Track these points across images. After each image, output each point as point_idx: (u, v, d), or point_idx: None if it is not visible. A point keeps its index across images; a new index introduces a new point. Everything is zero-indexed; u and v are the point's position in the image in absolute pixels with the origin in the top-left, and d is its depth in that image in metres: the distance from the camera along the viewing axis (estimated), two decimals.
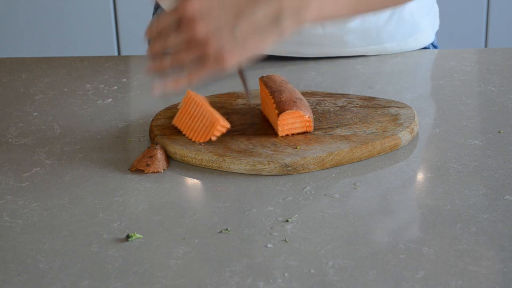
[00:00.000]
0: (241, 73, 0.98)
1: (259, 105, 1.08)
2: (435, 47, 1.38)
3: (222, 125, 0.97)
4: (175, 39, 0.88)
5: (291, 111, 0.98)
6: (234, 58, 0.88)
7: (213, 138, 0.97)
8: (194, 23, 0.86)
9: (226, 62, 0.87)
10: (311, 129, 1.00)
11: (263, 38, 0.88)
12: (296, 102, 1.00)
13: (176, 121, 1.02)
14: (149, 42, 0.92)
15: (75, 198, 0.90)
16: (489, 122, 1.06)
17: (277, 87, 1.03)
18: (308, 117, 0.99)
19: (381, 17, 1.28)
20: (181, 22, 0.88)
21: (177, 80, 0.90)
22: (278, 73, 1.22)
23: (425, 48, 1.35)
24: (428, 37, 1.34)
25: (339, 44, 1.29)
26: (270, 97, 1.01)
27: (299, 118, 0.99)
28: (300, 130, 1.00)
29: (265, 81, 1.05)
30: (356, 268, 0.76)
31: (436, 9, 1.36)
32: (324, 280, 0.74)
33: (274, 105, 1.00)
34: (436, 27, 1.37)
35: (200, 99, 1.00)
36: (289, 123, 0.99)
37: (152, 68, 0.91)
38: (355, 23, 1.26)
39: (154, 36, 0.90)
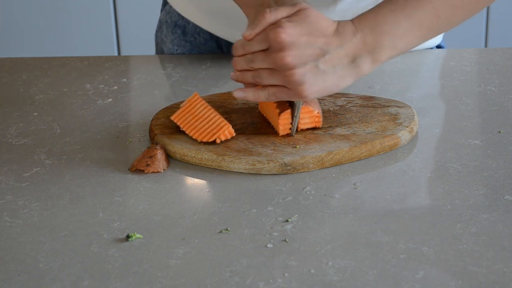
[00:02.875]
0: (294, 105, 1.00)
1: (258, 104, 1.08)
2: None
3: (230, 131, 0.97)
4: (261, 62, 0.93)
5: (290, 110, 0.99)
6: (314, 89, 0.92)
7: (218, 141, 0.97)
8: (282, 51, 0.91)
9: (306, 91, 0.92)
10: (320, 124, 1.00)
11: (342, 75, 0.93)
12: None
13: (176, 117, 1.01)
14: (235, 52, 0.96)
15: (75, 198, 0.90)
16: (489, 122, 1.06)
17: None
18: (317, 113, 1.00)
19: None
20: (269, 47, 0.92)
21: (257, 94, 0.95)
22: None
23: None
24: (433, 40, 1.34)
25: None
26: None
27: (308, 114, 0.99)
28: (309, 126, 1.00)
29: None
30: (356, 268, 0.76)
31: None
32: (324, 280, 0.74)
33: (275, 104, 1.00)
34: None
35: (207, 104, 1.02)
36: (290, 122, 0.99)
37: (236, 79, 0.97)
38: None
39: (240, 53, 0.95)
